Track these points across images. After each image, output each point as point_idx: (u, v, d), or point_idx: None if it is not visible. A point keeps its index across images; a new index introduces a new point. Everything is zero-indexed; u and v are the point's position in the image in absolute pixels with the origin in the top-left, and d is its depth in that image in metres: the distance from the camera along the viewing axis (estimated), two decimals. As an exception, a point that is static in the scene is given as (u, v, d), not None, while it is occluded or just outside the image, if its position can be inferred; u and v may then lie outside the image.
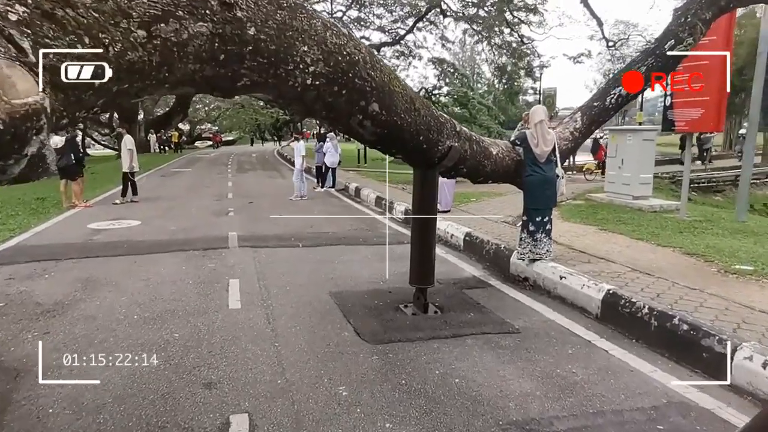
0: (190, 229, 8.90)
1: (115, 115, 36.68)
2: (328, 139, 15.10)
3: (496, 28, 23.51)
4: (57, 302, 5.01)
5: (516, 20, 23.13)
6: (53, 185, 14.43)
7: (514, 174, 5.80)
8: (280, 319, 4.64)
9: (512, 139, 5.91)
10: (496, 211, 10.33)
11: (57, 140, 11.19)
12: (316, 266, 6.54)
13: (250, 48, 2.64)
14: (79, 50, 1.93)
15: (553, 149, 5.64)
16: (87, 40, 1.96)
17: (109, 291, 5.37)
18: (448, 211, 10.08)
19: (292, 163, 17.01)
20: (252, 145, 56.96)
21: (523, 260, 5.89)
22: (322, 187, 15.15)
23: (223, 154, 37.18)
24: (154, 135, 38.09)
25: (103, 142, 44.36)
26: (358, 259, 7.00)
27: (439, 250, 7.51)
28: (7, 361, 3.75)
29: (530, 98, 43.41)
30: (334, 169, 15.05)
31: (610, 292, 4.73)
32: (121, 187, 12.24)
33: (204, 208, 11.45)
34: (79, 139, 39.24)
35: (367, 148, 25.88)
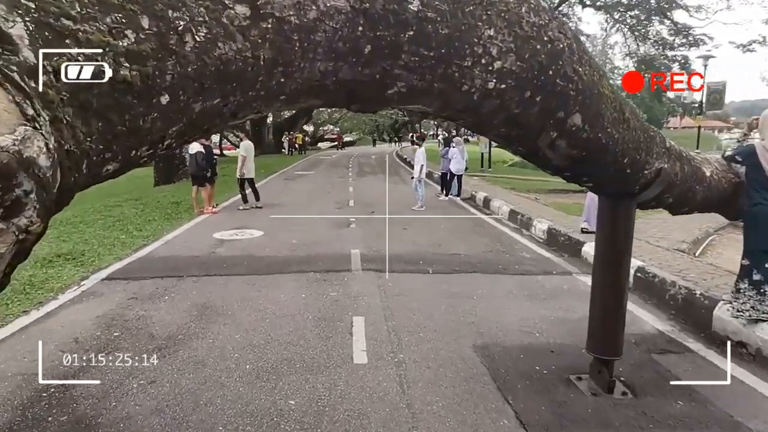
0: (312, 243, 8.34)
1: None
2: (453, 144, 14.00)
3: (646, 16, 20.69)
4: (170, 336, 4.52)
5: (671, 5, 20.11)
6: (188, 188, 15.08)
7: (729, 201, 4.25)
8: (417, 388, 3.65)
9: (728, 154, 4.36)
10: (661, 234, 8.50)
11: (194, 145, 11.37)
12: (452, 302, 5.49)
13: (411, 33, 1.64)
14: (126, 44, 1.04)
15: (796, 168, 4.01)
16: (146, 24, 1.07)
17: (223, 324, 4.80)
18: (601, 231, 8.45)
19: (413, 166, 16.22)
20: (374, 146, 57.68)
21: (740, 318, 4.32)
22: (446, 195, 14.09)
23: (343, 156, 37.75)
24: (288, 137, 39.99)
25: (236, 144, 47.45)
26: (501, 295, 5.83)
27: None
28: (105, 423, 3.18)
29: (678, 94, 38.43)
30: (459, 177, 13.91)
31: None
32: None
33: (325, 217, 10.97)
34: (215, 142, 42.10)
35: (491, 149, 24.35)
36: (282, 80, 1.45)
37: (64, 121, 0.96)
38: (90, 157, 1.05)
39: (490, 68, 1.89)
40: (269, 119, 40.75)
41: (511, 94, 2.03)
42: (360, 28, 1.54)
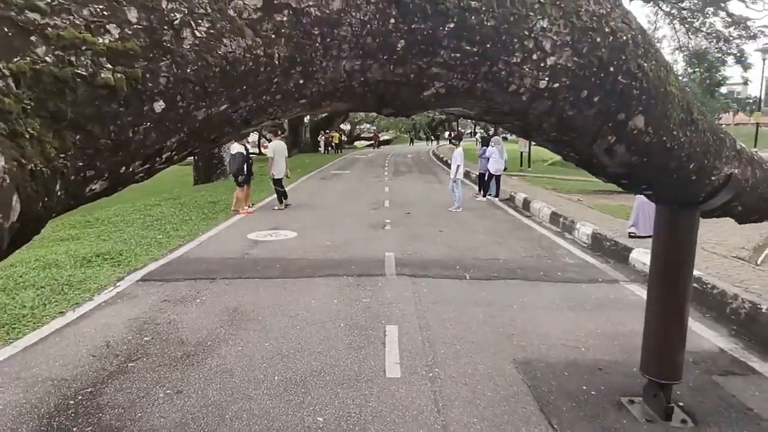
0: (345, 245, 8.20)
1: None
2: (492, 144, 13.61)
3: (699, 8, 19.65)
4: (200, 342, 4.43)
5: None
6: (225, 187, 15.24)
7: (803, 209, 3.83)
8: (453, 407, 3.42)
9: (803, 156, 3.94)
10: (717, 239, 7.94)
11: (236, 146, 11.43)
12: (490, 312, 5.22)
13: (451, 26, 1.42)
14: (108, 41, 0.86)
15: None
16: (133, 17, 0.89)
17: (253, 330, 4.69)
18: (649, 236, 7.96)
19: (450, 166, 15.91)
20: (412, 144, 57.39)
21: (814, 339, 3.89)
22: (484, 196, 13.73)
23: (379, 155, 37.66)
24: (324, 136, 40.26)
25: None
26: (543, 304, 5.51)
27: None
28: (128, 436, 3.10)
29: (731, 89, 36.55)
30: (498, 177, 13.51)
31: None
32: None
33: (360, 218, 10.83)
34: (254, 140, 42.56)
35: (531, 148, 23.66)
36: (301, 82, 1.25)
37: (27, 136, 0.79)
38: (66, 177, 0.88)
39: (542, 65, 1.65)
40: (306, 118, 41.08)
41: (566, 94, 1.78)
42: (392, 21, 1.32)
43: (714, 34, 20.98)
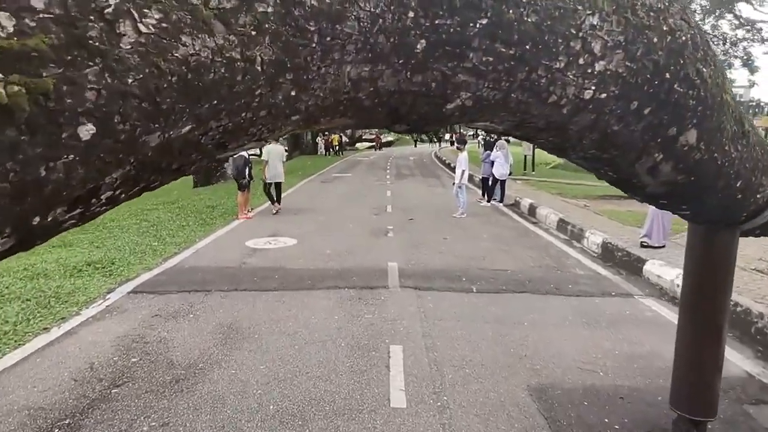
0: (346, 253, 7.90)
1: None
2: (496, 148, 13.31)
3: (707, 10, 19.38)
4: (191, 364, 4.14)
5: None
6: (225, 191, 14.96)
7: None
8: (464, 443, 3.12)
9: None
10: (734, 249, 7.63)
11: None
12: (500, 330, 4.92)
13: (484, 21, 1.13)
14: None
15: None
16: (38, 1, 0.59)
17: (248, 350, 4.39)
18: (663, 246, 7.67)
19: (453, 169, 15.60)
20: (416, 146, 57.12)
21: None
22: (488, 201, 13.43)
23: (381, 157, 37.38)
24: (324, 139, 39.87)
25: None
26: (555, 321, 5.21)
27: (664, 310, 5.39)
28: (106, 477, 2.80)
29: (734, 93, 36.36)
30: (503, 182, 13.21)
31: None
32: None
33: (362, 223, 10.53)
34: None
35: (535, 151, 23.32)
36: (293, 94, 0.96)
37: None
38: None
39: (589, 71, 1.35)
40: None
41: (613, 105, 1.48)
42: (411, 15, 1.03)
43: (721, 37, 20.67)
